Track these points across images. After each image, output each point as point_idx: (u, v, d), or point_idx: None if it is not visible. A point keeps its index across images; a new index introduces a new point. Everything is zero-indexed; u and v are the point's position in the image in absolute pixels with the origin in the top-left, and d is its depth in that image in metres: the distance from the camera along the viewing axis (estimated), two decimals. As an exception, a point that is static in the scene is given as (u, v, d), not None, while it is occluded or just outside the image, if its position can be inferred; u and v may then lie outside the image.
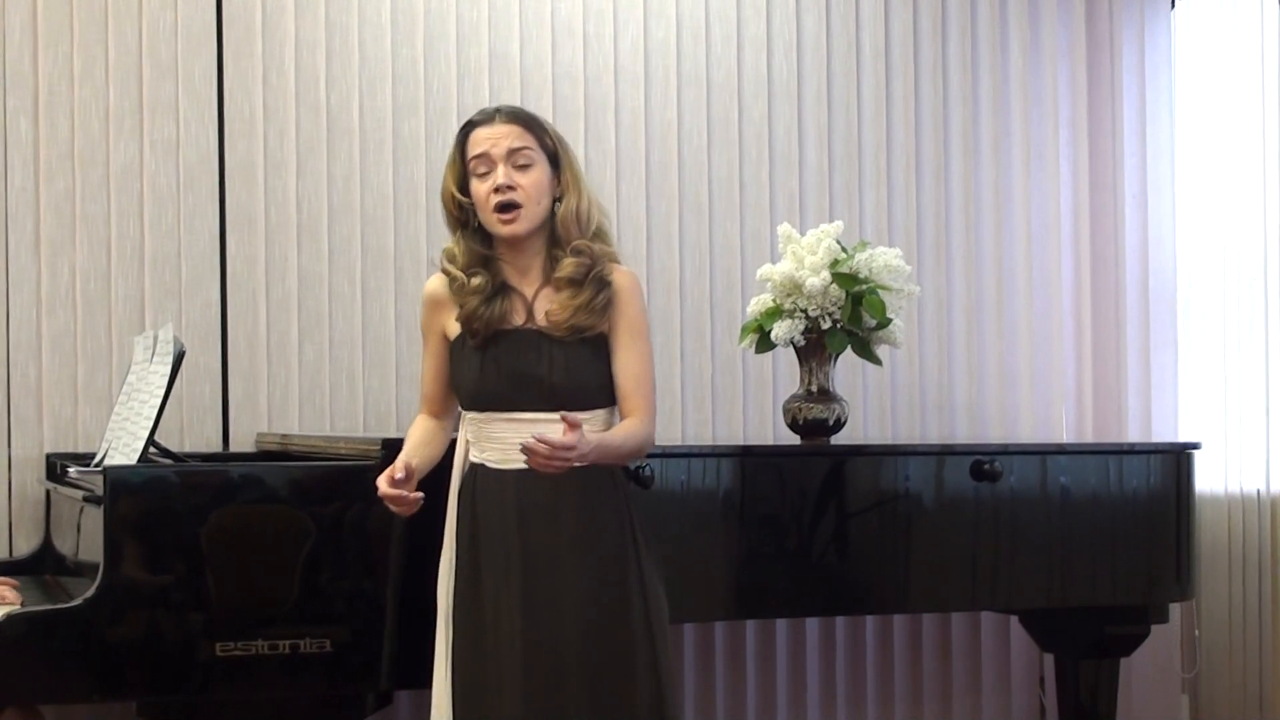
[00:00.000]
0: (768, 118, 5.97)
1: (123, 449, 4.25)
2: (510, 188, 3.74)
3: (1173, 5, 6.37)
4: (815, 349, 5.01)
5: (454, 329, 3.84)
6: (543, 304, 3.80)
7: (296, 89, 5.44)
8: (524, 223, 3.77)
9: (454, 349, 3.84)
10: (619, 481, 3.84)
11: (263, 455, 5.12)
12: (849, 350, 5.01)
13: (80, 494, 4.24)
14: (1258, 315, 5.98)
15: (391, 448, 4.02)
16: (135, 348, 4.71)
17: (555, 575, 3.72)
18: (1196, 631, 6.20)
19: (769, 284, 5.02)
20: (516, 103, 5.59)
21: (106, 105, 5.24)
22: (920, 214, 6.14)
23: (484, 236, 3.82)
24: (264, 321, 5.37)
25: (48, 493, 5.01)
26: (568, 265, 3.78)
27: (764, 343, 5.06)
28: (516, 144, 3.76)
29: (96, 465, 4.27)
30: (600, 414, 3.80)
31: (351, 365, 5.45)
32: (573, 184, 3.83)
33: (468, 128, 3.82)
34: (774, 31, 5.99)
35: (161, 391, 4.09)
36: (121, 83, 5.25)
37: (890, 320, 4.98)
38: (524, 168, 3.76)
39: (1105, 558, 5.00)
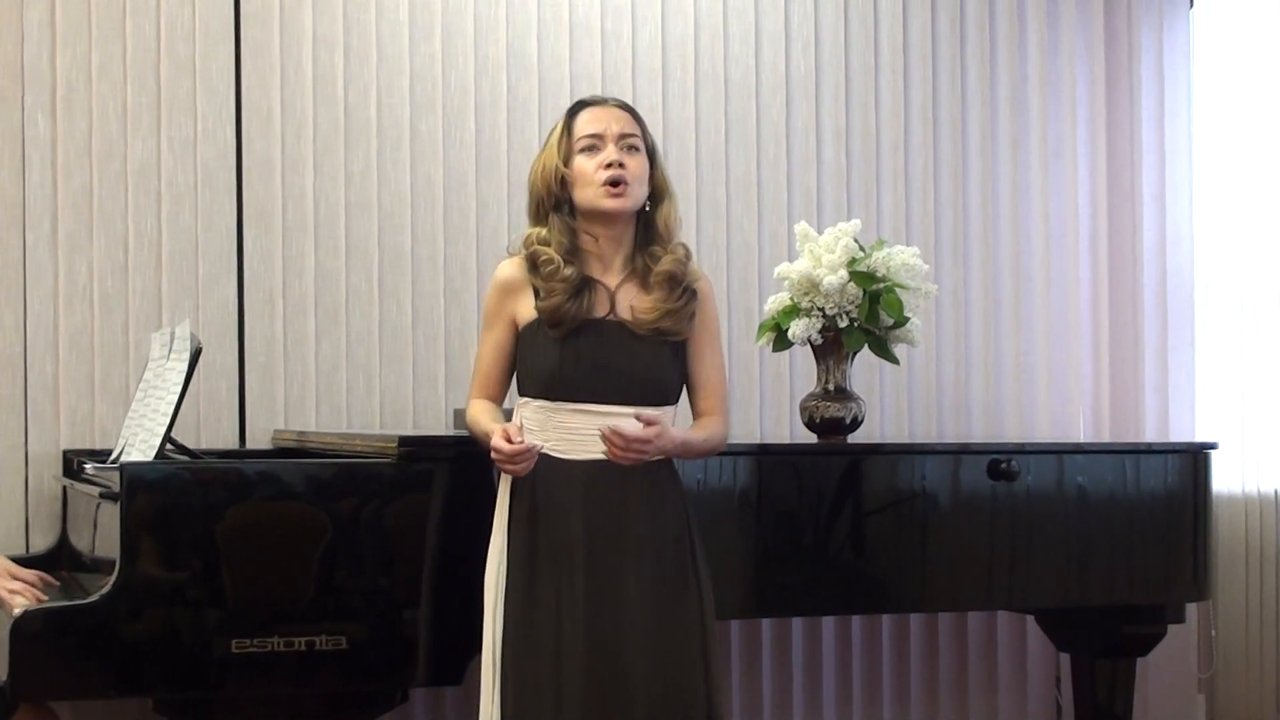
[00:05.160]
0: (785, 116, 5.97)
1: (139, 445, 4.25)
2: (621, 165, 3.80)
3: (1191, 4, 6.36)
4: (832, 347, 5.00)
5: (526, 314, 3.85)
6: (625, 298, 3.86)
7: (314, 86, 5.44)
8: (629, 200, 3.84)
9: (526, 334, 3.86)
10: (678, 478, 3.90)
11: (279, 452, 5.12)
12: (866, 349, 5.00)
13: (97, 490, 4.24)
14: (1275, 315, 5.97)
15: (409, 444, 4.05)
16: (152, 344, 4.71)
17: (619, 571, 3.75)
18: (1213, 631, 6.19)
19: (786, 282, 5.01)
20: (534, 100, 5.63)
21: (124, 102, 5.24)
22: (938, 213, 6.13)
23: (572, 221, 3.86)
24: (281, 318, 5.37)
25: (64, 489, 5.02)
26: (669, 261, 3.87)
27: (781, 341, 5.05)
28: (628, 129, 3.86)
29: (113, 462, 4.27)
30: (669, 411, 3.88)
31: (368, 362, 5.45)
32: (668, 186, 3.95)
33: (578, 107, 3.92)
34: (792, 29, 5.99)
35: (178, 388, 4.09)
36: (139, 80, 5.26)
37: (907, 319, 4.97)
38: (631, 151, 3.85)
39: (1122, 557, 4.99)
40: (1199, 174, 6.34)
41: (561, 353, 3.79)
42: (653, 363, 3.83)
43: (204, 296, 5.29)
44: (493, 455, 3.74)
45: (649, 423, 3.69)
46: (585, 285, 3.83)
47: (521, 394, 3.89)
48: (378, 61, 5.52)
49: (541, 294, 3.83)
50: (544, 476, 3.76)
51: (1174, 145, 6.33)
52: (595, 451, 3.73)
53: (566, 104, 5.55)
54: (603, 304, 3.85)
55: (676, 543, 3.84)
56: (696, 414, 3.99)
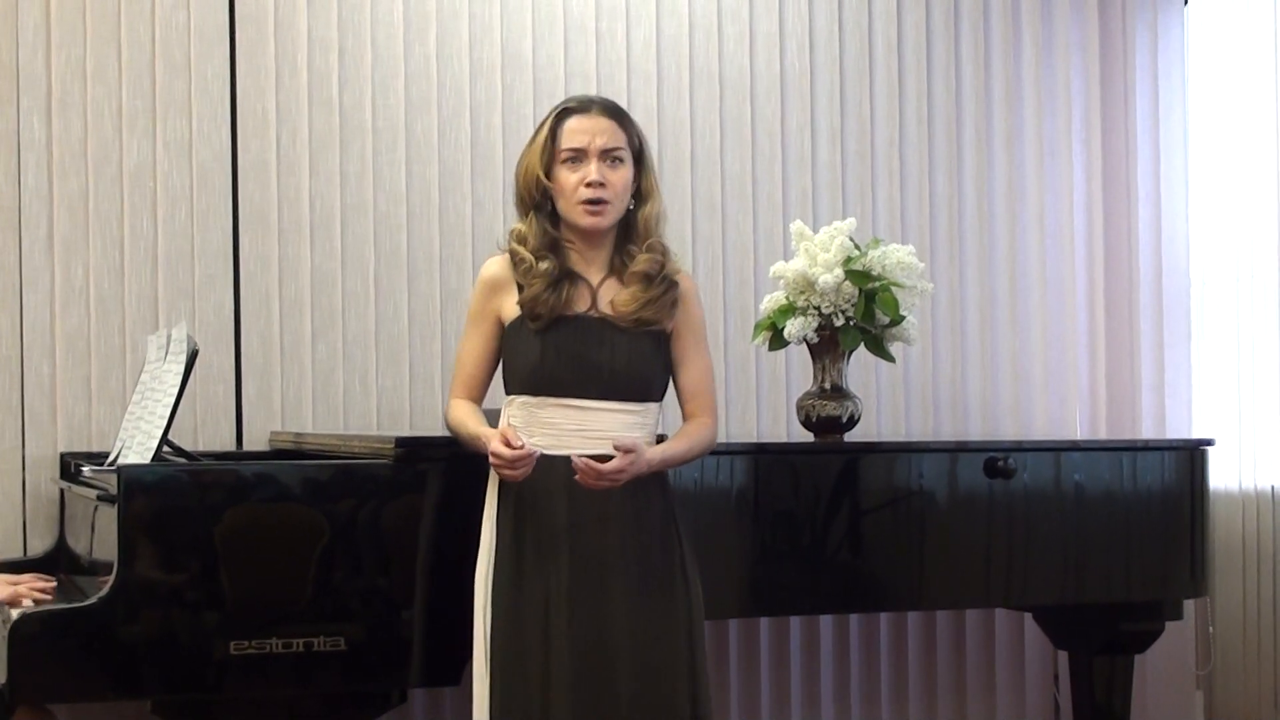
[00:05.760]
0: (780, 115, 5.97)
1: (136, 448, 4.25)
2: (602, 184, 3.80)
3: (1186, 2, 6.36)
4: (828, 346, 5.01)
5: (511, 312, 3.86)
6: (608, 293, 3.87)
7: (309, 88, 5.44)
8: (607, 219, 3.84)
9: (510, 332, 3.86)
10: (665, 477, 3.90)
11: (276, 454, 5.12)
12: (862, 347, 5.00)
13: (94, 493, 4.24)
14: (1271, 312, 5.97)
15: (405, 445, 4.05)
16: (149, 347, 4.71)
17: (604, 568, 3.76)
18: (1211, 628, 6.19)
19: (782, 281, 5.01)
20: (529, 101, 5.63)
21: (119, 104, 5.24)
22: (933, 211, 6.13)
23: (554, 221, 3.87)
24: (277, 320, 5.37)
25: (62, 492, 5.02)
26: (643, 260, 3.86)
27: (777, 340, 5.05)
28: (611, 143, 3.84)
29: (110, 464, 4.27)
30: (652, 408, 3.89)
31: (365, 364, 5.45)
32: (654, 185, 3.93)
33: (564, 115, 3.87)
34: (786, 28, 5.99)
35: (175, 390, 4.09)
36: (134, 82, 5.26)
37: (903, 317, 4.97)
38: (614, 164, 3.83)
39: (1119, 554, 4.99)
40: (1194, 171, 6.35)
41: (543, 347, 3.80)
42: (635, 357, 3.83)
43: (200, 298, 5.29)
44: (491, 461, 3.74)
45: (626, 450, 3.69)
46: (565, 277, 3.84)
47: (507, 392, 3.90)
48: (373, 63, 5.52)
49: (523, 287, 3.84)
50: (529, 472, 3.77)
51: (1169, 142, 6.34)
52: (579, 447, 3.74)
53: (562, 105, 5.61)
54: (584, 299, 3.86)
55: (663, 539, 3.84)
56: (684, 416, 3.99)
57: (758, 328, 5.17)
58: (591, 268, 3.89)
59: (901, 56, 6.13)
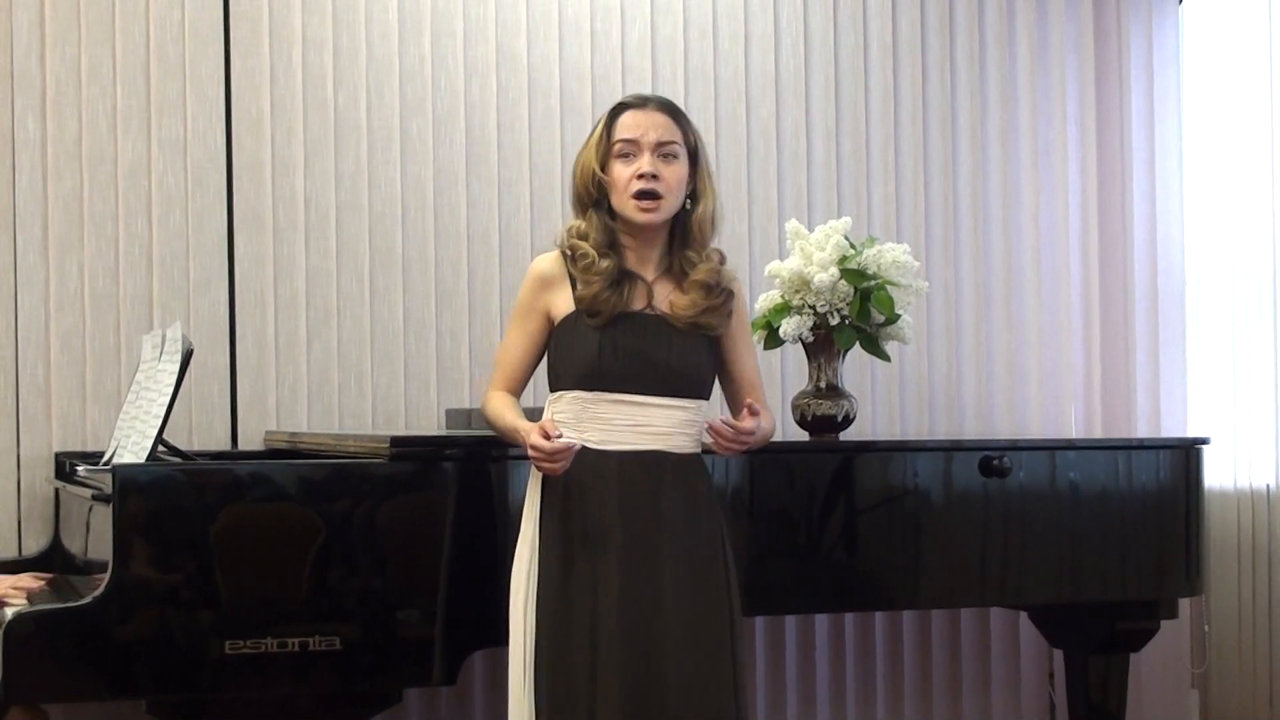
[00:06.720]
0: (775, 115, 5.97)
1: (131, 447, 4.25)
2: (655, 176, 3.81)
3: (1180, 1, 6.36)
4: (824, 345, 5.01)
5: (562, 308, 3.86)
6: (662, 291, 3.88)
7: (304, 88, 5.44)
8: (661, 214, 3.85)
9: (563, 327, 3.86)
10: (708, 473, 3.93)
11: (271, 453, 5.12)
12: (857, 346, 5.01)
13: (89, 492, 4.24)
14: (1266, 310, 5.97)
15: (401, 445, 4.04)
16: (144, 346, 4.71)
17: (654, 561, 3.76)
18: (1206, 627, 6.19)
19: (777, 280, 5.01)
20: (524, 101, 5.63)
21: (114, 105, 5.24)
22: (928, 210, 6.14)
23: (612, 218, 3.88)
24: (272, 320, 5.37)
25: (57, 491, 5.02)
26: (703, 270, 3.90)
27: (773, 339, 5.06)
28: (665, 137, 3.85)
29: (105, 464, 4.27)
30: (703, 405, 3.90)
31: (360, 363, 5.45)
32: (709, 186, 3.95)
33: (619, 109, 3.89)
34: (781, 28, 5.99)
35: (170, 390, 4.09)
36: (129, 82, 5.25)
37: (899, 316, 4.97)
38: (668, 160, 3.85)
39: (1115, 553, 4.99)
40: (1189, 170, 6.35)
41: (601, 342, 3.80)
42: (690, 355, 3.85)
43: (195, 298, 5.29)
44: (530, 454, 3.73)
45: (753, 413, 3.75)
46: (624, 277, 3.85)
47: (554, 389, 3.88)
48: (367, 63, 5.52)
49: (580, 285, 3.84)
50: (579, 467, 3.75)
51: (1164, 141, 6.34)
52: (631, 443, 3.76)
53: (557, 104, 5.63)
54: (641, 297, 3.86)
55: (710, 539, 3.86)
56: (738, 411, 3.98)
57: (753, 326, 5.16)
58: (646, 266, 3.90)
59: (896, 55, 6.13)
